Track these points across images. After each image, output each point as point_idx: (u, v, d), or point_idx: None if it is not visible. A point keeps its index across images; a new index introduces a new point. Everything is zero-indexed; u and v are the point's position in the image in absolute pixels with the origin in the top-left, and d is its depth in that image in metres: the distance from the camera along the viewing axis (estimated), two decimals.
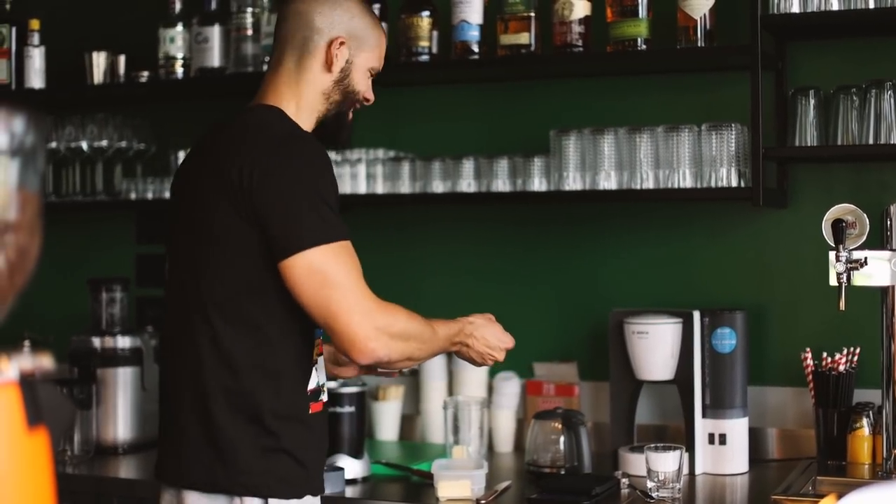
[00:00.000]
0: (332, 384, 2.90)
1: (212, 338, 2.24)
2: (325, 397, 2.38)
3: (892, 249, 2.75)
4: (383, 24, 3.30)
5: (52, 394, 0.96)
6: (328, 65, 2.36)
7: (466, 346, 2.47)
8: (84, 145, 3.67)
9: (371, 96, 2.46)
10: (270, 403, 2.24)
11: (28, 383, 0.91)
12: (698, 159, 3.01)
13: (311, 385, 2.32)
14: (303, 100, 2.37)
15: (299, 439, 2.28)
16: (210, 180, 2.25)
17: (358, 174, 3.34)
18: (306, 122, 2.38)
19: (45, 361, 0.92)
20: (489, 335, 2.50)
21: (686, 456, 2.74)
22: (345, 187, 3.29)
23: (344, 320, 2.13)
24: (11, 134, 0.91)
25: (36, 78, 3.69)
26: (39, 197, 0.94)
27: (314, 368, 2.33)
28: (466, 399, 3.14)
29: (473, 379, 3.35)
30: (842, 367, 2.97)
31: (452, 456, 3.00)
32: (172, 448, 2.33)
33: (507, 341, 2.55)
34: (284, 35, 2.38)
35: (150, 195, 3.65)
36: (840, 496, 1.28)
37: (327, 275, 2.14)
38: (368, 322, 2.15)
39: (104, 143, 3.68)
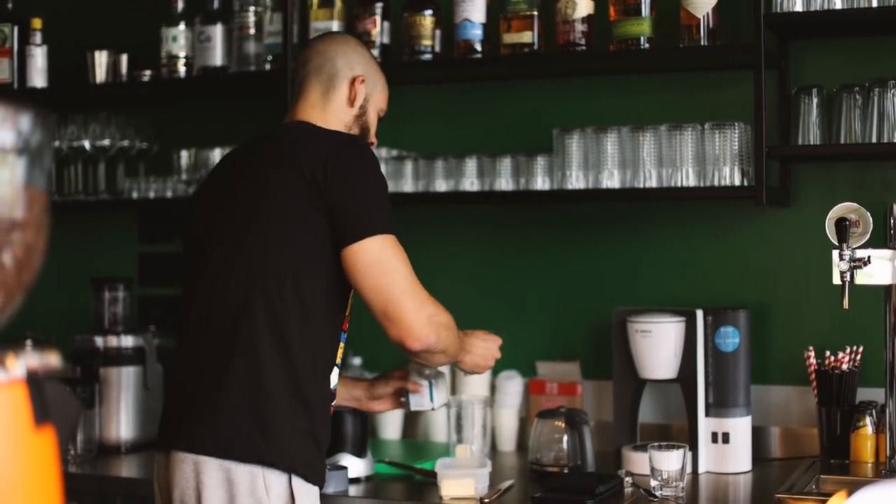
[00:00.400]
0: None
1: (269, 313, 2.35)
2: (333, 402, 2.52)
3: (895, 248, 2.75)
4: (386, 24, 3.31)
5: (59, 392, 0.96)
6: (351, 100, 2.59)
7: (463, 354, 2.64)
8: (86, 144, 3.67)
9: (375, 140, 2.68)
10: (310, 384, 2.37)
11: (35, 381, 0.91)
12: (701, 158, 3.01)
13: (332, 385, 2.47)
14: (329, 128, 2.56)
15: (324, 428, 2.42)
16: (280, 174, 2.41)
17: None
18: None
19: (53, 359, 0.92)
20: (479, 348, 2.69)
21: (689, 455, 2.74)
22: None
23: (403, 306, 2.32)
24: (18, 132, 0.91)
25: (38, 77, 3.69)
26: (46, 195, 0.94)
27: (336, 367, 2.47)
28: (470, 398, 3.14)
29: (476, 378, 3.35)
30: (845, 366, 2.97)
31: (456, 455, 3.00)
32: (199, 417, 2.36)
33: (497, 354, 2.73)
34: (310, 71, 2.60)
35: (152, 194, 3.65)
36: (850, 493, 1.28)
37: (389, 262, 2.34)
38: (422, 310, 2.35)
39: (106, 142, 3.68)
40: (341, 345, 2.50)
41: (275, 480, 2.32)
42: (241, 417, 2.33)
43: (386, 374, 2.91)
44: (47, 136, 0.94)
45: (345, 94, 2.59)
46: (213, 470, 2.32)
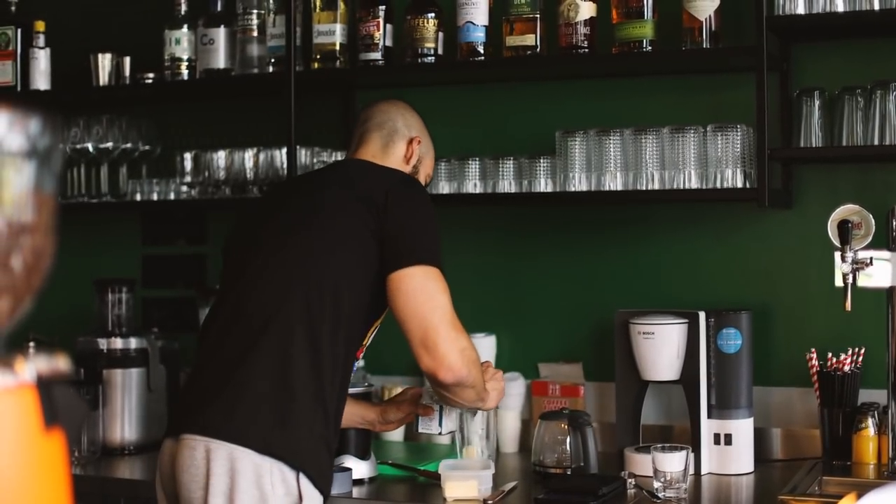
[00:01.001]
0: None
1: (306, 315, 2.41)
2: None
3: None
4: (389, 26, 3.31)
5: (67, 394, 0.96)
6: (407, 158, 2.74)
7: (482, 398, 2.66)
8: (89, 147, 3.67)
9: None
10: (331, 392, 2.42)
11: (44, 384, 0.91)
12: (704, 160, 3.01)
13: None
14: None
15: (335, 438, 2.48)
16: (339, 195, 2.55)
17: None
18: None
19: (62, 363, 0.92)
20: (494, 390, 2.71)
21: (692, 456, 2.75)
22: None
23: (439, 336, 2.37)
24: (27, 136, 0.91)
25: (41, 79, 3.70)
26: (54, 199, 0.94)
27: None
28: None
29: None
30: (847, 368, 2.97)
31: (464, 456, 2.99)
32: (219, 404, 2.39)
33: (502, 388, 2.76)
34: (371, 127, 2.75)
35: (155, 196, 3.65)
36: (859, 496, 1.29)
37: (433, 292, 2.41)
38: (457, 342, 2.40)
39: (109, 144, 3.68)
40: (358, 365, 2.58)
41: (282, 478, 2.33)
42: (263, 410, 2.36)
43: (399, 395, 2.94)
44: (55, 140, 0.94)
45: (402, 151, 2.73)
46: (222, 458, 2.33)
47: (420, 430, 2.85)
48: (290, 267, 2.48)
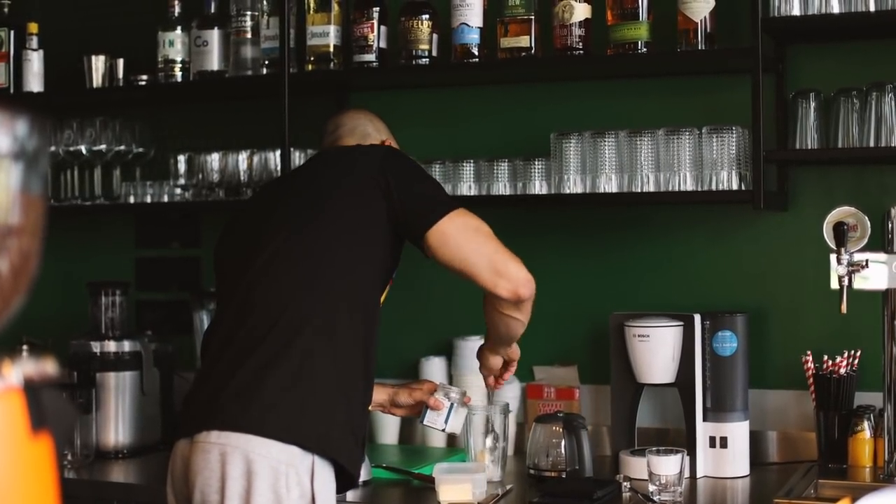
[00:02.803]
0: None
1: (322, 303, 2.42)
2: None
3: (893, 252, 2.75)
4: (383, 28, 3.31)
5: (56, 398, 0.95)
6: None
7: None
8: (83, 149, 3.66)
9: None
10: (353, 376, 2.43)
11: (31, 388, 0.90)
12: (699, 162, 3.01)
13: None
14: None
15: (360, 421, 2.46)
16: (337, 178, 2.56)
17: None
18: None
19: (49, 366, 0.92)
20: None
21: (687, 459, 2.74)
22: None
23: (505, 258, 2.44)
24: (14, 137, 0.90)
25: (34, 81, 3.69)
26: (42, 200, 0.94)
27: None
28: (492, 404, 3.05)
29: (474, 382, 3.34)
30: (843, 370, 2.97)
31: (476, 460, 2.96)
32: (232, 396, 2.37)
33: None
34: (343, 133, 2.80)
35: (149, 199, 3.64)
36: (854, 499, 1.28)
37: (474, 228, 2.47)
38: (517, 260, 2.46)
39: (103, 146, 3.67)
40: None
41: (298, 481, 2.30)
42: (283, 399, 2.34)
43: (414, 382, 2.95)
44: (43, 141, 0.93)
45: None
46: (238, 461, 2.29)
47: (425, 423, 2.84)
48: (297, 258, 2.47)
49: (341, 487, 2.45)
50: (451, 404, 2.81)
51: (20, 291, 0.90)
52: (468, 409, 2.89)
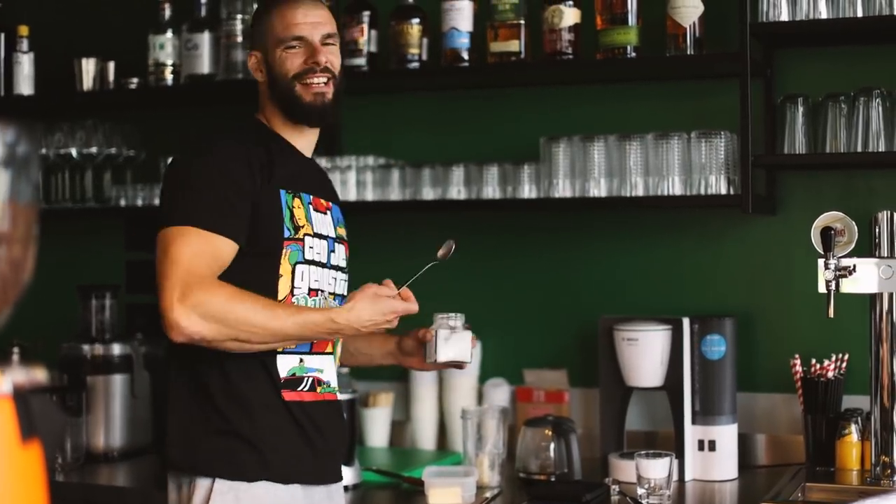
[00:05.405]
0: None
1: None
2: (322, 389, 2.41)
3: (880, 256, 2.76)
4: (373, 32, 3.31)
5: (45, 406, 0.95)
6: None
7: (340, 332, 2.34)
8: (73, 152, 3.66)
9: (321, 61, 2.45)
10: (220, 384, 2.31)
11: (21, 396, 0.90)
12: (688, 166, 3.02)
13: (283, 374, 2.35)
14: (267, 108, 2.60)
15: (258, 424, 2.31)
16: None
17: (348, 181, 3.34)
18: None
19: (39, 374, 0.92)
20: (364, 314, 2.32)
21: (676, 462, 2.75)
22: None
23: (163, 295, 2.20)
24: (3, 144, 0.90)
25: (25, 84, 3.68)
26: (33, 209, 0.93)
27: (282, 356, 2.35)
28: (489, 408, 3.04)
29: (463, 385, 3.35)
30: (830, 374, 2.98)
31: (475, 465, 2.93)
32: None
33: (394, 307, 2.37)
34: None
35: (139, 202, 3.64)
36: None
37: (166, 252, 2.27)
38: (182, 300, 2.18)
39: (93, 149, 3.67)
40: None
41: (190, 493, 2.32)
42: (167, 428, 2.38)
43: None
44: (33, 149, 0.93)
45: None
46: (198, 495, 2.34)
47: (427, 360, 2.57)
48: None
49: (323, 474, 2.42)
50: (436, 333, 2.53)
51: (10, 302, 0.90)
52: (463, 337, 2.56)
